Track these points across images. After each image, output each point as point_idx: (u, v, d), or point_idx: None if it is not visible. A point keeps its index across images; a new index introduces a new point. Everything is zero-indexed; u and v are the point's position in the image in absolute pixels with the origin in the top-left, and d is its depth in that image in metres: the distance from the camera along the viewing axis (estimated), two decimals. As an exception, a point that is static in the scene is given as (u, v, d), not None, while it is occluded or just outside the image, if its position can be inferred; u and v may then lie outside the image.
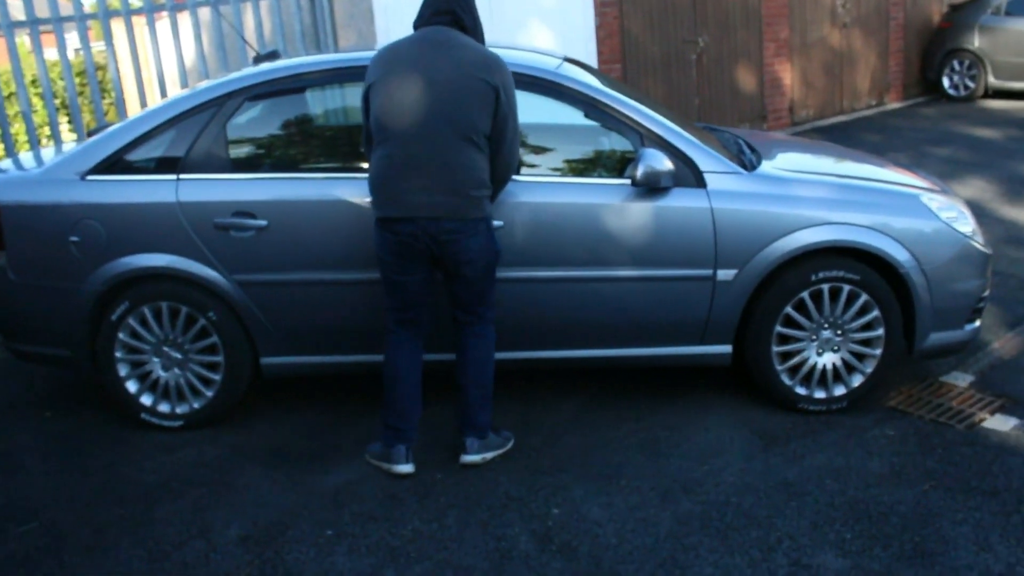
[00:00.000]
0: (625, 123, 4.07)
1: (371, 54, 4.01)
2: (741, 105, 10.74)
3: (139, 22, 8.38)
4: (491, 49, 3.74)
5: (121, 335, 4.17)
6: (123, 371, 4.22)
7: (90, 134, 4.64)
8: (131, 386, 4.25)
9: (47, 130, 10.99)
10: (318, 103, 4.39)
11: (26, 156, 4.86)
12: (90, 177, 4.14)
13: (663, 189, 3.97)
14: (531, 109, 4.17)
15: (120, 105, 7.13)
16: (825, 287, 4.03)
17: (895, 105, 12.59)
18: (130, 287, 4.13)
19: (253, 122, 4.26)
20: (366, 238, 3.94)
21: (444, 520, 3.48)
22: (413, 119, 3.49)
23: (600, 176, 4.13)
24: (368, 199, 3.95)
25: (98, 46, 11.72)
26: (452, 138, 3.48)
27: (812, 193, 4.07)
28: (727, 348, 4.15)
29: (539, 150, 4.28)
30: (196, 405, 4.26)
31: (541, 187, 4.02)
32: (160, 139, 4.16)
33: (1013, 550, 3.13)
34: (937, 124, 10.96)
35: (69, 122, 12.21)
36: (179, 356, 4.21)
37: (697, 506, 3.48)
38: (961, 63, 12.45)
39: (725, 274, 4.01)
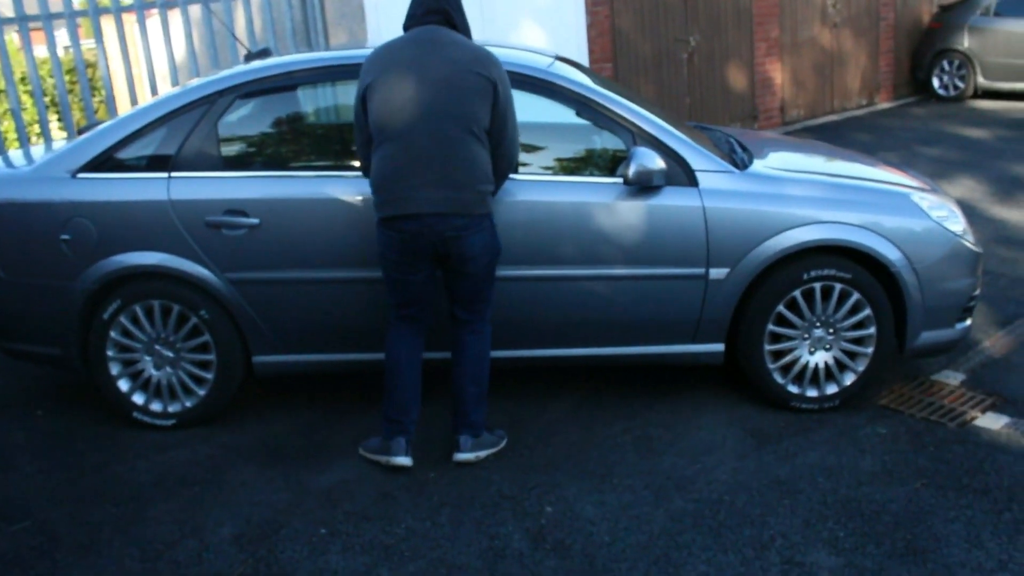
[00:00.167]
0: (617, 122, 4.08)
1: (362, 52, 4.00)
2: (732, 104, 10.76)
3: (129, 19, 8.34)
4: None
5: (113, 333, 4.15)
6: (115, 370, 4.21)
7: (80, 132, 4.63)
8: (123, 385, 4.24)
9: (37, 128, 10.95)
10: (309, 101, 4.38)
11: (16, 154, 4.84)
12: (81, 175, 4.13)
13: (655, 188, 3.98)
14: (523, 108, 4.17)
15: (110, 103, 7.10)
16: (817, 286, 4.04)
17: (885, 105, 12.63)
18: (121, 285, 4.11)
19: (244, 120, 4.25)
20: (358, 236, 3.94)
21: (438, 518, 3.48)
22: (415, 117, 3.50)
23: (592, 175, 4.14)
24: (359, 197, 3.95)
25: (88, 43, 11.66)
26: (456, 133, 3.50)
27: (804, 192, 4.08)
28: (719, 347, 4.16)
29: (531, 149, 4.28)
30: (188, 404, 4.25)
31: (533, 185, 4.02)
32: (151, 137, 4.15)
33: (1004, 547, 3.14)
34: (927, 124, 11.00)
35: (59, 120, 12.16)
36: (171, 355, 4.20)
37: (690, 504, 3.49)
38: (951, 63, 12.50)
39: (717, 273, 4.02)
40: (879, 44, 12.48)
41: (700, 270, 4.02)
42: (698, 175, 4.03)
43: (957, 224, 4.19)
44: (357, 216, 3.96)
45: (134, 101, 7.03)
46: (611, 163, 4.14)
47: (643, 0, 9.71)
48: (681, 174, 4.02)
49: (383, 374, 3.82)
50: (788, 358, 4.14)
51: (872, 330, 4.09)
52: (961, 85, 12.44)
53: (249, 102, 4.22)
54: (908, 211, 4.11)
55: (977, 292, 4.26)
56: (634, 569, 3.13)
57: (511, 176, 3.97)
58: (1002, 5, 12.11)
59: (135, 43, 8.67)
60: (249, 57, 4.58)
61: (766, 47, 10.97)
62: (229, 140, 4.17)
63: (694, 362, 4.22)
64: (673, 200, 3.99)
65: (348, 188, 3.99)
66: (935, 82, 12.66)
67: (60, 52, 9.13)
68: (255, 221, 4.01)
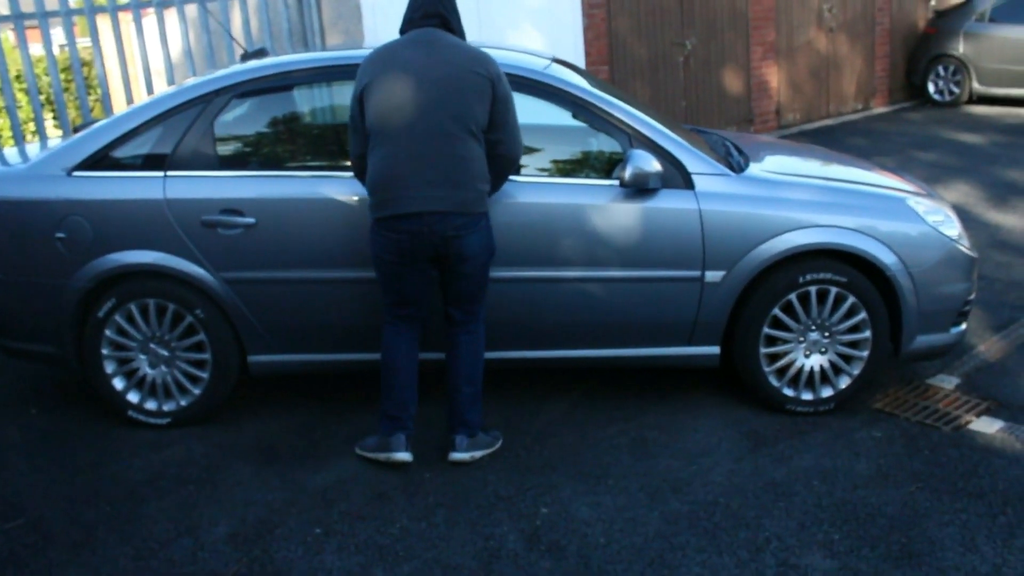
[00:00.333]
0: (613, 124, 4.08)
1: (359, 53, 4.00)
2: (728, 108, 10.77)
3: (125, 18, 8.33)
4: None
5: (108, 332, 4.14)
6: (110, 368, 4.20)
7: (76, 130, 4.62)
8: (118, 383, 4.23)
9: (32, 126, 10.91)
10: (306, 101, 4.38)
11: (11, 151, 4.83)
12: (76, 173, 4.12)
13: (651, 190, 3.98)
14: (520, 110, 4.17)
15: (106, 101, 7.09)
16: (812, 289, 4.05)
17: (881, 110, 12.66)
18: (117, 284, 4.11)
19: (241, 119, 4.24)
20: (354, 236, 3.93)
21: (433, 519, 3.47)
22: (414, 116, 3.51)
23: (588, 177, 4.14)
24: (355, 197, 3.95)
25: (84, 42, 11.63)
26: (455, 131, 3.51)
27: (799, 196, 4.08)
28: (715, 349, 4.17)
29: (528, 151, 4.28)
30: (183, 403, 4.24)
31: (529, 187, 4.02)
32: (147, 135, 4.14)
33: (999, 551, 3.15)
34: (922, 129, 11.03)
35: (54, 118, 12.13)
36: (166, 353, 4.19)
37: (685, 506, 3.49)
38: (946, 69, 12.53)
39: (713, 275, 4.02)
40: (875, 49, 12.51)
41: (696, 273, 4.02)
42: (694, 178, 4.03)
43: (952, 228, 4.20)
44: (353, 216, 3.95)
45: (130, 100, 7.02)
46: (607, 165, 4.15)
47: (640, 3, 9.72)
48: (677, 177, 4.02)
49: (380, 373, 3.81)
50: (783, 361, 4.14)
51: (867, 334, 4.09)
52: (956, 90, 12.47)
53: (245, 102, 4.22)
54: (904, 215, 4.11)
55: (972, 296, 4.27)
56: (629, 571, 3.13)
57: (511, 177, 3.97)
58: (997, 11, 12.15)
59: (131, 42, 8.65)
60: (245, 57, 4.58)
61: (762, 51, 10.99)
62: (225, 139, 4.17)
63: (690, 364, 4.23)
64: (669, 203, 3.99)
65: (344, 188, 3.98)
66: (930, 87, 12.70)
67: (56, 50, 9.10)
68: (251, 220, 4.01)
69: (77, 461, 4.03)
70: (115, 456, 4.05)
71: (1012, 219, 7.04)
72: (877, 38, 12.48)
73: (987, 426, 4.00)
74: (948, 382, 4.44)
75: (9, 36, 11.77)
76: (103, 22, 7.65)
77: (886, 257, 4.02)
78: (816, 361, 4.15)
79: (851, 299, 4.05)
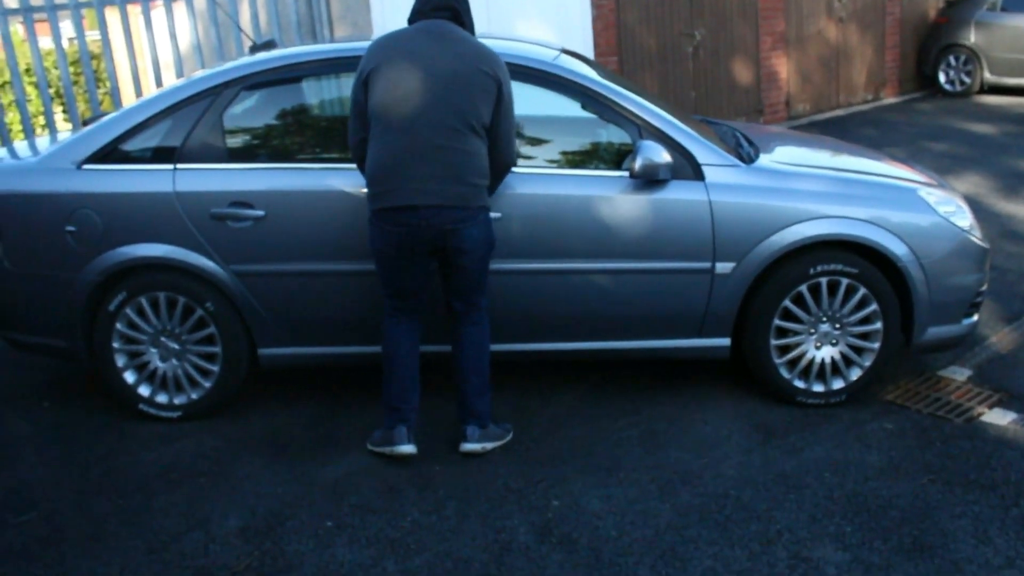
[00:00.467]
0: (623, 115, 4.07)
1: (368, 44, 3.99)
2: (737, 99, 10.73)
3: (134, 11, 8.33)
4: (487, 42, 3.74)
5: (118, 325, 4.15)
6: (120, 362, 4.21)
7: (85, 123, 4.62)
8: (129, 377, 4.23)
9: (42, 119, 10.93)
10: (314, 93, 4.37)
11: (21, 145, 4.84)
12: (86, 166, 4.12)
13: (661, 181, 3.97)
14: (529, 101, 4.16)
15: (115, 94, 7.10)
16: (823, 280, 4.03)
17: (891, 100, 12.60)
18: (127, 277, 4.11)
19: (249, 112, 4.24)
20: (363, 228, 3.92)
21: (443, 512, 3.47)
22: (417, 108, 3.49)
23: (598, 168, 4.12)
24: (364, 189, 3.93)
25: (93, 35, 11.64)
26: (457, 126, 3.50)
27: (810, 187, 4.06)
28: (725, 341, 4.15)
29: (537, 142, 4.27)
30: (194, 396, 4.25)
31: (539, 178, 4.01)
32: (156, 128, 4.14)
33: (1012, 543, 3.13)
34: (933, 119, 10.97)
35: (64, 111, 12.15)
36: (177, 347, 4.20)
37: (696, 499, 3.48)
38: (957, 58, 12.46)
39: (723, 267, 4.01)
40: (885, 39, 12.44)
41: (706, 264, 4.00)
42: (704, 169, 4.01)
43: (964, 219, 4.18)
44: (362, 208, 3.94)
45: (139, 93, 7.02)
46: (617, 156, 4.13)
47: (649, -7, 9.69)
48: (687, 168, 4.01)
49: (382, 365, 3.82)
50: (794, 353, 4.13)
51: (878, 325, 4.07)
52: (967, 80, 12.41)
53: (254, 94, 4.21)
54: (915, 206, 4.09)
55: (984, 288, 4.24)
56: (640, 563, 3.12)
57: (517, 169, 3.97)
58: (1009, 0, 12.07)
59: (140, 34, 8.65)
60: (254, 49, 4.58)
61: (771, 41, 10.94)
62: (234, 132, 4.16)
63: (700, 356, 4.21)
64: (679, 194, 3.98)
65: (353, 180, 3.98)
66: (941, 77, 12.63)
67: (65, 43, 9.11)
68: (260, 213, 4.01)
69: (88, 454, 4.04)
70: (126, 449, 4.07)
71: (1024, 209, 7.01)
72: (887, 28, 12.42)
73: (999, 418, 3.98)
74: (960, 374, 4.42)
75: (19, 29, 11.79)
76: (112, 15, 7.66)
77: (897, 248, 4.00)
78: (827, 353, 4.13)
79: (862, 290, 4.03)
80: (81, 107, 11.84)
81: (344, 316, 4.12)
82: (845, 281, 4.02)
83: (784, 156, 4.39)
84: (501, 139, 3.64)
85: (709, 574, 3.06)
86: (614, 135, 4.16)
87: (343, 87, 4.32)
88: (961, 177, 8.02)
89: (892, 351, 4.14)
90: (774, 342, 4.10)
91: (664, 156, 3.89)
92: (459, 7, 3.66)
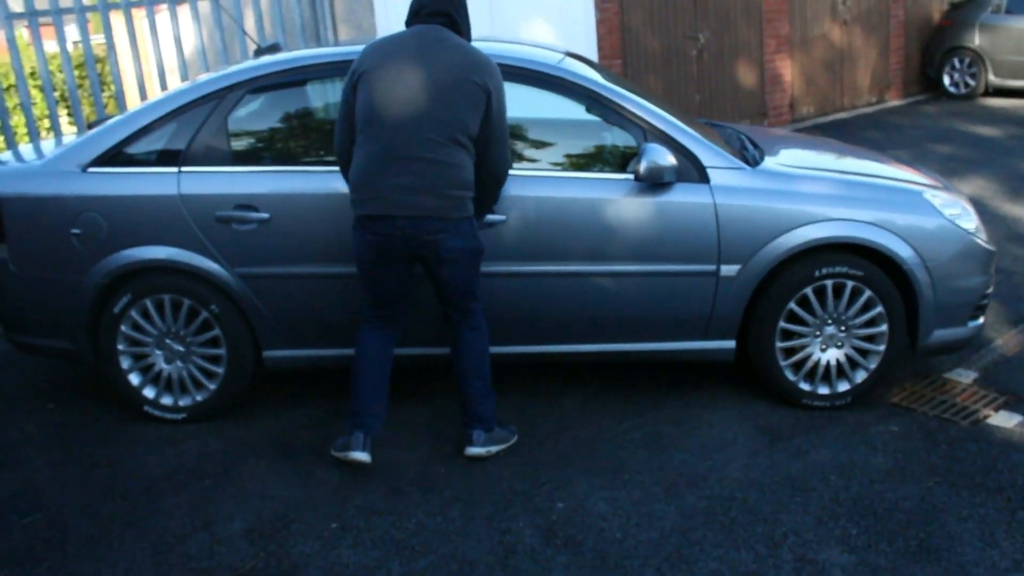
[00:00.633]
0: (628, 118, 4.06)
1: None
2: (741, 101, 10.73)
3: (139, 15, 8.35)
4: (482, 47, 3.72)
5: (123, 328, 4.16)
6: (126, 364, 4.22)
7: (90, 126, 4.63)
8: (134, 379, 4.24)
9: (47, 122, 10.96)
10: (319, 96, 4.37)
11: (26, 148, 4.85)
12: (91, 169, 4.13)
13: (666, 184, 3.96)
14: (533, 104, 4.17)
15: (120, 98, 7.11)
16: (829, 283, 4.02)
17: (895, 103, 12.59)
18: (132, 279, 4.12)
19: (254, 115, 4.24)
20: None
21: (448, 514, 3.47)
22: (400, 116, 3.46)
23: (603, 171, 4.12)
24: None
25: (97, 38, 11.68)
26: (437, 138, 3.45)
27: (815, 189, 4.06)
28: (731, 343, 4.15)
29: (542, 145, 4.27)
30: (199, 398, 4.25)
31: (543, 181, 4.01)
32: (161, 131, 4.15)
33: (1019, 546, 3.12)
34: (938, 122, 10.96)
35: (69, 114, 12.17)
36: (181, 349, 4.20)
37: (702, 501, 3.48)
38: (961, 61, 12.45)
39: (728, 269, 4.01)
40: (889, 41, 12.44)
41: (711, 267, 4.00)
42: (709, 172, 4.01)
43: (970, 222, 4.17)
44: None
45: (144, 96, 7.03)
46: (622, 159, 4.13)
47: (653, -4, 9.69)
48: (692, 171, 4.00)
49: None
50: (800, 355, 4.12)
51: (884, 328, 4.07)
52: (972, 83, 12.40)
53: (259, 97, 4.22)
54: (920, 208, 4.08)
55: (990, 290, 4.24)
56: (646, 566, 3.12)
57: (522, 172, 3.97)
58: (1013, 2, 12.06)
59: (145, 38, 8.67)
60: (259, 52, 4.58)
61: (776, 44, 10.94)
62: (239, 135, 4.17)
63: (705, 359, 4.21)
64: (684, 197, 3.97)
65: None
66: (946, 80, 12.62)
67: (70, 47, 9.13)
68: (265, 216, 4.01)
69: (93, 456, 4.05)
70: (131, 451, 4.07)
71: (1029, 212, 6.99)
72: (892, 30, 12.41)
73: (1005, 420, 3.97)
74: (966, 376, 4.42)
75: (24, 33, 11.82)
76: (117, 19, 7.67)
77: (903, 251, 3.99)
78: (832, 355, 4.12)
79: (867, 293, 4.03)
80: (86, 110, 11.85)
81: (348, 318, 4.11)
82: (850, 284, 4.01)
83: (789, 159, 4.39)
84: (493, 147, 3.59)
85: (715, 577, 3.06)
86: (619, 138, 4.16)
87: (348, 90, 4.32)
88: (966, 180, 8.01)
89: (897, 354, 4.13)
90: (779, 344, 4.10)
91: (669, 159, 3.89)
92: (455, 12, 3.62)
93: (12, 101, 10.77)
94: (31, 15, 6.67)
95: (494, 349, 3.99)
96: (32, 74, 11.47)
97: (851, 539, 3.21)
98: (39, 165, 4.24)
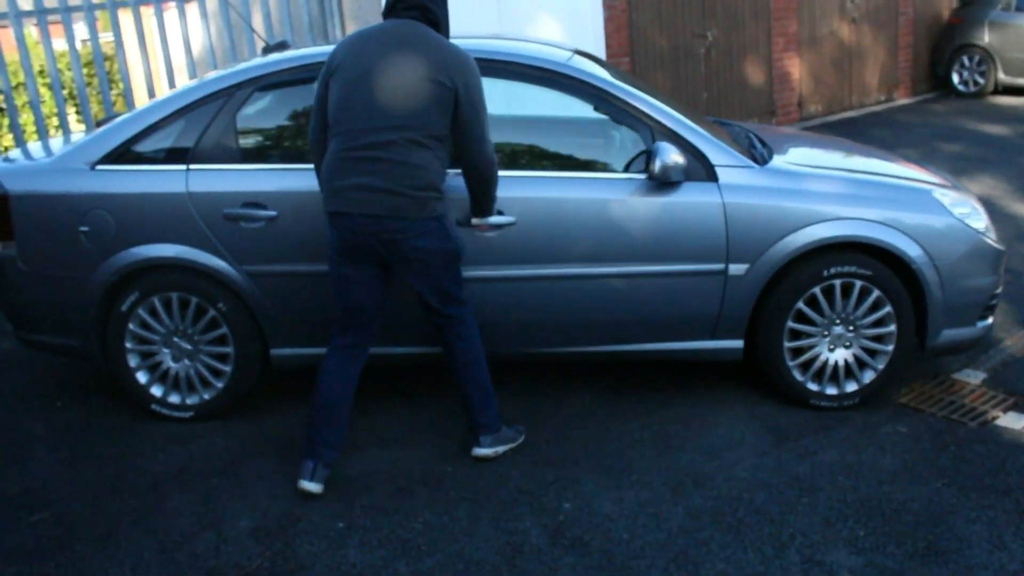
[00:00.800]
0: (637, 117, 4.05)
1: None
2: (749, 100, 10.70)
3: (147, 12, 8.36)
4: (489, 45, 3.66)
5: (131, 326, 4.16)
6: (133, 362, 4.22)
7: (98, 124, 4.64)
8: (141, 377, 4.25)
9: (55, 120, 10.99)
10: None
11: (35, 146, 4.86)
12: (100, 167, 4.14)
13: (675, 183, 3.95)
14: (541, 102, 4.16)
15: (128, 95, 7.12)
16: (837, 282, 4.01)
17: (904, 101, 12.55)
18: (140, 277, 4.12)
19: (262, 113, 4.24)
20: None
21: (455, 513, 3.47)
22: (363, 115, 3.42)
23: (610, 171, 4.10)
24: None
25: (106, 36, 11.70)
26: (398, 139, 3.39)
27: (824, 188, 4.04)
28: (738, 343, 4.13)
29: (549, 144, 4.26)
30: (206, 396, 4.26)
31: (549, 182, 3.98)
32: (169, 129, 4.15)
33: (1027, 548, 3.11)
34: (947, 120, 10.92)
35: (77, 112, 12.19)
36: (189, 347, 4.20)
37: (709, 501, 3.47)
38: (971, 59, 12.40)
39: (737, 268, 3.99)
40: (898, 39, 12.39)
41: (720, 266, 3.99)
42: (718, 170, 4.00)
43: (979, 221, 4.15)
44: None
45: (152, 94, 7.04)
46: (630, 159, 4.11)
47: (661, -6, 9.67)
48: (700, 169, 3.99)
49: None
50: (808, 355, 4.11)
51: (892, 328, 4.05)
52: (981, 81, 12.35)
53: (267, 95, 4.22)
54: (929, 208, 4.07)
55: (999, 290, 4.22)
56: (653, 566, 3.11)
57: (529, 173, 3.95)
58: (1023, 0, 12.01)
59: (153, 36, 8.68)
60: (267, 50, 4.58)
61: (784, 42, 10.91)
62: (247, 133, 4.17)
63: (713, 358, 4.20)
64: (692, 195, 3.96)
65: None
66: (955, 78, 12.57)
67: (78, 45, 9.15)
68: (273, 214, 4.01)
69: (101, 454, 4.05)
70: (138, 449, 4.07)
71: (1039, 211, 6.97)
72: (900, 28, 12.37)
73: (1014, 422, 3.96)
74: (974, 377, 4.40)
75: (32, 31, 11.85)
76: (125, 17, 7.68)
77: (911, 250, 3.98)
78: (840, 355, 4.11)
79: (876, 293, 4.01)
80: (94, 108, 11.88)
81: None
82: (859, 283, 4.00)
83: (797, 157, 4.37)
84: (470, 143, 3.50)
85: (722, 577, 3.05)
86: (627, 137, 4.15)
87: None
88: (975, 179, 7.98)
89: (906, 354, 4.11)
90: (787, 344, 4.08)
91: (681, 158, 3.87)
92: (431, 5, 3.54)
93: (21, 99, 10.79)
94: (40, 13, 6.68)
95: (498, 352, 3.96)
96: (41, 72, 11.50)
97: (859, 540, 3.19)
98: (48, 163, 4.25)
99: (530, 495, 3.57)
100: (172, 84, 7.12)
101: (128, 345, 4.19)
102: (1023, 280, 5.57)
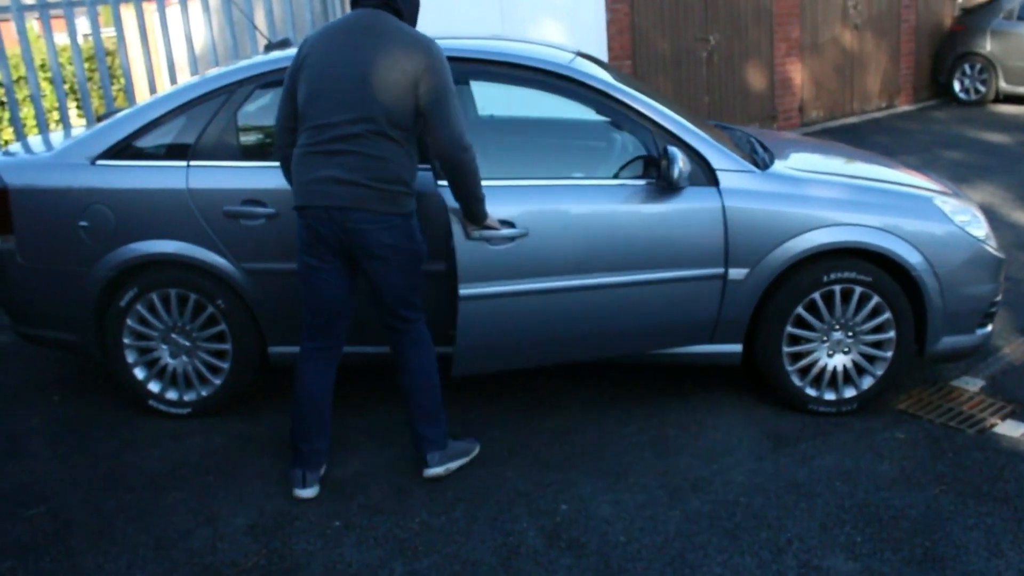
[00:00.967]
0: (638, 120, 4.03)
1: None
2: (751, 105, 10.71)
3: (149, 8, 8.37)
4: (491, 46, 3.61)
5: (129, 321, 4.15)
6: (131, 357, 4.22)
7: (99, 119, 4.63)
8: (139, 373, 4.24)
9: (56, 115, 10.99)
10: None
11: (35, 140, 4.85)
12: (100, 162, 4.13)
13: (677, 188, 3.93)
14: (543, 104, 4.15)
15: (130, 91, 7.11)
16: (837, 288, 4.00)
17: (905, 108, 12.56)
18: (139, 273, 4.12)
19: (263, 110, 4.24)
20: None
21: (452, 514, 3.46)
22: (330, 109, 3.38)
23: (612, 175, 4.08)
24: None
25: (108, 31, 11.69)
26: (361, 131, 3.36)
27: (825, 193, 4.04)
28: (737, 347, 4.13)
29: (550, 146, 4.25)
30: (204, 393, 4.25)
31: (550, 190, 3.90)
32: (170, 125, 4.14)
33: (1024, 556, 3.11)
34: (948, 128, 10.93)
35: (78, 107, 12.19)
36: (187, 343, 4.20)
37: (706, 505, 3.46)
38: (972, 67, 12.41)
39: (736, 273, 3.99)
40: (900, 46, 12.41)
41: (719, 270, 3.98)
42: (719, 174, 3.99)
43: (979, 229, 4.15)
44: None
45: (153, 89, 7.04)
46: (630, 163, 4.10)
47: (664, -2, 9.68)
48: (701, 173, 3.98)
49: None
50: (806, 360, 4.10)
51: (891, 334, 4.05)
52: (983, 89, 12.36)
53: (269, 92, 4.21)
54: (930, 215, 4.07)
55: (999, 298, 4.21)
56: (649, 569, 3.11)
57: (530, 182, 3.87)
58: (1025, 9, 12.03)
59: (155, 32, 8.68)
60: (269, 47, 4.57)
61: (786, 47, 10.92)
62: (248, 130, 4.16)
63: (711, 363, 4.19)
64: (693, 200, 3.95)
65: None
66: (956, 85, 12.59)
67: (80, 40, 9.15)
68: (272, 211, 4.01)
69: (98, 449, 4.05)
70: (135, 445, 4.07)
71: (1039, 220, 6.97)
72: (902, 35, 12.38)
73: (1012, 429, 3.96)
74: (973, 384, 4.40)
75: (34, 25, 11.84)
76: (127, 12, 7.68)
77: (911, 257, 3.98)
78: (839, 361, 4.11)
79: (875, 299, 4.01)
80: (95, 103, 11.88)
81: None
82: (859, 289, 4.00)
83: (799, 163, 4.37)
84: (436, 129, 3.38)
85: (718, 581, 3.05)
86: (628, 141, 4.14)
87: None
88: (976, 186, 7.99)
89: (905, 360, 4.11)
90: (786, 349, 4.08)
91: (688, 163, 3.85)
92: None
93: (22, 93, 10.79)
94: (42, 7, 6.68)
95: (499, 360, 3.92)
96: (42, 66, 11.49)
97: (856, 546, 3.19)
98: (48, 157, 4.24)
99: (527, 497, 3.56)
100: (174, 80, 7.12)
101: (126, 341, 4.18)
102: (1022, 288, 5.58)
